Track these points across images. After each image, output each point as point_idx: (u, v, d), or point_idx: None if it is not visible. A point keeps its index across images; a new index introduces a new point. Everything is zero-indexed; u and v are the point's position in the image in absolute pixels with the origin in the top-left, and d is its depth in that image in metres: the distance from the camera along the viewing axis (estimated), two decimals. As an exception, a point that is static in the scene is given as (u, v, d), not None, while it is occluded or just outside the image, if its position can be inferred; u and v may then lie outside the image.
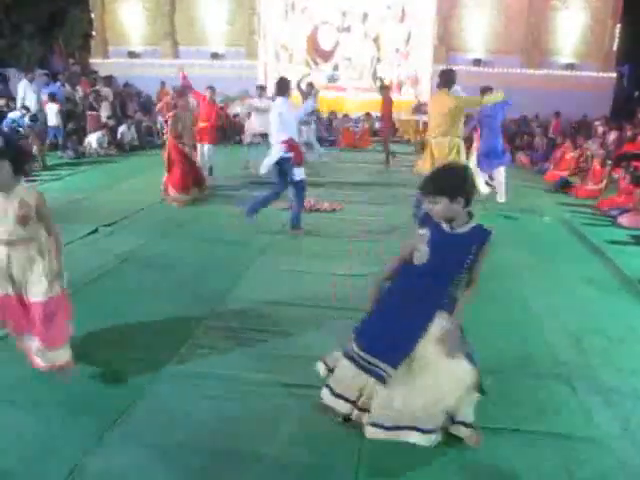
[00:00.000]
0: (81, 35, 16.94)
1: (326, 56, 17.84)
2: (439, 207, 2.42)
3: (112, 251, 5.45)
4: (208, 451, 2.60)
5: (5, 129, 10.25)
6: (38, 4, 15.10)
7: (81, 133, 12.02)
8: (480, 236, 2.45)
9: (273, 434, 2.72)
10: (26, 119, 10.38)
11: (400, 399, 2.53)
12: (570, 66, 15.41)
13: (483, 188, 8.26)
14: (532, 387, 3.23)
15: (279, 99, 6.20)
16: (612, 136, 12.29)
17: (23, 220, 2.90)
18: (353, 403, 2.69)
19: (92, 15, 16.00)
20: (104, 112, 12.98)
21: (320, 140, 15.31)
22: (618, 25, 15.35)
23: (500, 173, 7.79)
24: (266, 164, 6.17)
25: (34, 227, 2.98)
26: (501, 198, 7.82)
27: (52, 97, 11.58)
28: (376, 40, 17.59)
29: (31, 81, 11.46)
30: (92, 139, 11.69)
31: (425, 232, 2.50)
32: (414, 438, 2.55)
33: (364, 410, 2.65)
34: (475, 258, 2.46)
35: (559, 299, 4.59)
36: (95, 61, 16.17)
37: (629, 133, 11.85)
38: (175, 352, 3.46)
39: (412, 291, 2.55)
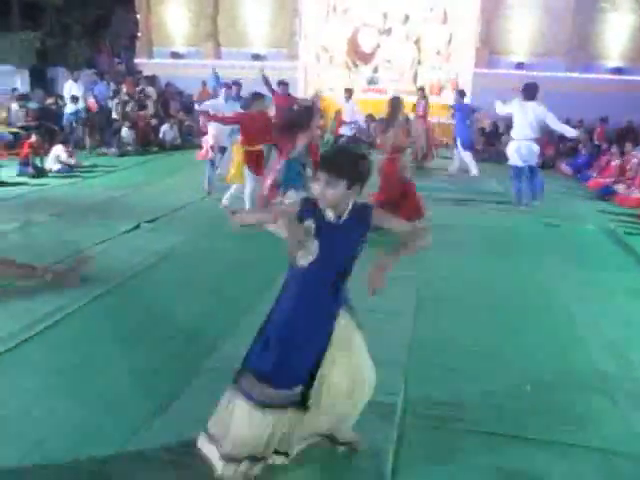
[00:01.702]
0: (127, 36, 17.39)
1: (366, 58, 17.80)
2: (334, 192, 2.07)
3: (153, 247, 5.59)
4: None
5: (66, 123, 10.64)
6: (86, 6, 15.59)
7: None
8: (364, 218, 2.15)
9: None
10: (82, 113, 10.75)
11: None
12: (618, 70, 14.97)
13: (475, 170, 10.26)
14: (571, 399, 3.16)
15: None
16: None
17: None
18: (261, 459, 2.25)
19: (138, 16, 16.41)
20: (149, 111, 13.30)
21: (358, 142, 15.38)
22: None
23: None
24: None
25: None
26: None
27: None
28: (417, 42, 17.47)
29: (76, 80, 11.86)
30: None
31: (310, 224, 2.12)
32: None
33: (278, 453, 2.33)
34: (364, 241, 2.19)
35: (601, 310, 4.47)
36: (140, 61, 16.58)
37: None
38: (214, 348, 3.53)
39: (305, 302, 2.19)
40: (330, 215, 2.14)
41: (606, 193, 8.91)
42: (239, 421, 2.16)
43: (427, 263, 4.93)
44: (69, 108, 11.38)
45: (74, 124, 10.92)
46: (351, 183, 2.09)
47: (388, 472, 2.48)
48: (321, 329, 2.20)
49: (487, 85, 14.73)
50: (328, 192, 2.08)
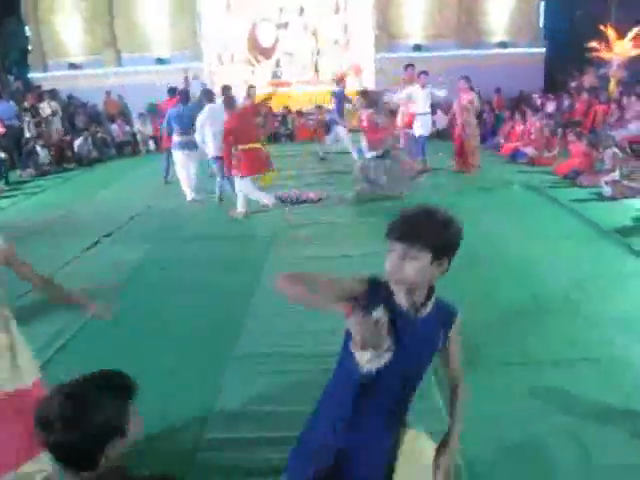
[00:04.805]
0: (17, 50, 16.37)
1: (267, 53, 18.00)
2: (414, 267, 1.53)
3: (124, 259, 5.59)
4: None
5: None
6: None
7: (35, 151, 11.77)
8: (447, 316, 1.68)
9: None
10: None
11: None
12: (503, 44, 16.31)
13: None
14: (554, 323, 3.73)
15: None
16: (550, 107, 13.19)
17: None
18: None
19: (27, 28, 15.52)
20: (56, 126, 12.74)
21: (277, 135, 15.64)
22: (542, 3, 16.39)
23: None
24: None
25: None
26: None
27: None
28: (314, 33, 17.95)
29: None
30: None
31: (381, 316, 1.52)
32: None
33: None
34: (443, 346, 1.69)
35: (548, 254, 5.12)
36: (35, 75, 15.71)
37: (566, 103, 12.78)
38: (236, 341, 3.75)
39: (360, 421, 1.66)
40: (404, 303, 1.60)
41: (518, 156, 9.86)
42: None
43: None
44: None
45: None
46: (436, 256, 1.55)
47: None
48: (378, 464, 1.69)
49: (388, 68, 15.54)
50: (406, 268, 1.53)
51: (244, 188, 6.96)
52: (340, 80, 12.09)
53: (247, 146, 6.78)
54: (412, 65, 9.39)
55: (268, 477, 2.46)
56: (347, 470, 1.66)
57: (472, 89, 9.11)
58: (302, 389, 3.06)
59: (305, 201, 7.60)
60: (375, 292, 1.60)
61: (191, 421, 2.90)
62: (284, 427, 2.69)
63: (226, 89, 7.87)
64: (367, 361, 1.58)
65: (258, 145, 6.97)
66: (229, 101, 7.04)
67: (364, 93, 8.37)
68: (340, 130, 10.81)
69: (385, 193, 7.41)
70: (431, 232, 1.54)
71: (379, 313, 1.52)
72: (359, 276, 1.64)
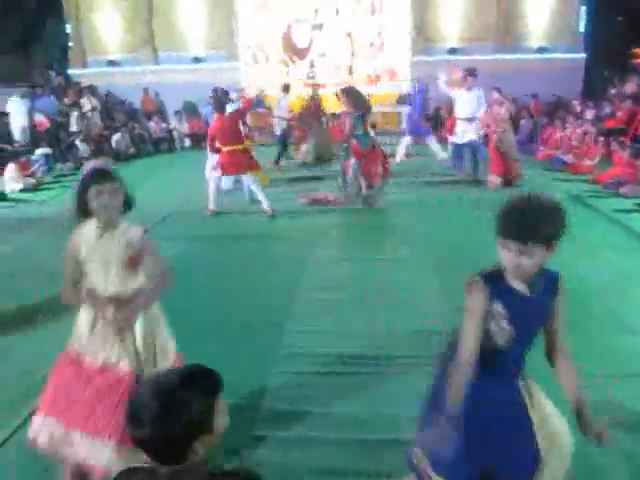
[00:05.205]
0: (59, 47, 16.74)
1: (301, 54, 18.05)
2: (532, 261, 1.68)
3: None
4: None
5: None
6: (14, 18, 14.94)
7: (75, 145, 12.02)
8: (553, 283, 1.83)
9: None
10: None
11: None
12: (541, 49, 16.06)
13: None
14: (600, 337, 3.67)
15: None
16: (589, 114, 12.94)
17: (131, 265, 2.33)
18: None
19: (68, 26, 15.86)
20: (95, 121, 12.99)
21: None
22: (583, 7, 16.08)
23: None
24: None
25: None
26: None
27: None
28: (350, 35, 17.93)
29: (23, 96, 11.45)
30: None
31: (500, 309, 1.77)
32: None
33: None
34: (552, 313, 1.85)
35: (592, 265, 5.02)
36: (74, 72, 16.04)
37: (607, 110, 12.51)
38: (279, 341, 3.77)
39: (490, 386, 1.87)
40: (520, 287, 1.77)
41: (555, 162, 9.70)
42: None
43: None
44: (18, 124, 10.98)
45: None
46: (549, 245, 1.68)
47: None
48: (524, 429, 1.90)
49: (424, 72, 15.44)
50: (523, 263, 1.69)
51: (213, 187, 7.25)
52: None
53: (230, 147, 7.00)
54: (473, 74, 8.77)
55: (314, 476, 2.47)
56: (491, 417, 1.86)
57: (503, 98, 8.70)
58: (349, 391, 3.07)
59: (330, 202, 7.62)
60: (492, 285, 1.77)
61: (238, 419, 2.91)
62: (332, 428, 2.69)
63: (217, 91, 7.93)
64: (499, 336, 1.79)
65: (240, 147, 7.09)
66: (218, 103, 7.21)
67: (346, 91, 7.59)
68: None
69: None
70: (542, 228, 1.66)
71: (498, 307, 1.77)
72: (473, 284, 1.78)
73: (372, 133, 7.56)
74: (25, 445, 2.35)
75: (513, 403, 1.91)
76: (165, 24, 15.97)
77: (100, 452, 2.16)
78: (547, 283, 1.81)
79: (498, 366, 1.86)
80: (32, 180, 9.75)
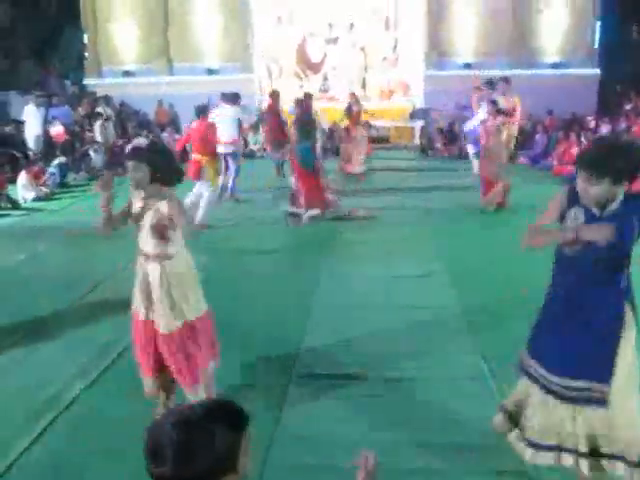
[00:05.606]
0: (75, 56, 16.90)
1: (315, 67, 18.10)
2: (597, 189, 1.99)
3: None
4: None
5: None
6: (33, 26, 15.09)
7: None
8: (635, 209, 2.06)
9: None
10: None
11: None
12: (556, 65, 15.99)
13: None
14: None
15: None
16: (604, 130, 12.82)
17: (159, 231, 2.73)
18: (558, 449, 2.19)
19: (85, 35, 16.00)
20: (110, 131, 13.03)
21: (324, 151, 15.58)
22: (598, 22, 16.02)
23: None
24: None
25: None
26: None
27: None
28: (363, 49, 17.96)
29: (38, 105, 11.53)
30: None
31: (577, 213, 2.11)
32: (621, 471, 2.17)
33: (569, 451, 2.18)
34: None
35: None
36: (89, 82, 16.16)
37: (623, 125, 12.41)
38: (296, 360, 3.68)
39: (569, 287, 2.20)
40: (591, 205, 2.09)
41: (574, 178, 9.56)
42: (535, 409, 2.22)
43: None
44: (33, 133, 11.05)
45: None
46: (616, 179, 1.97)
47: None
48: (593, 320, 2.14)
49: (438, 86, 15.41)
50: (590, 190, 2.02)
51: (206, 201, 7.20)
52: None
53: (192, 156, 7.34)
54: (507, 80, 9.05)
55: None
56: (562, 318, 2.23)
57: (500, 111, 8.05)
58: (366, 414, 2.97)
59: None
60: (572, 197, 2.14)
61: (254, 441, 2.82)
62: (347, 454, 2.60)
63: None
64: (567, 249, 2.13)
65: (199, 157, 7.24)
66: (199, 109, 7.51)
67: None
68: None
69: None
70: (609, 164, 1.96)
71: (575, 210, 2.13)
72: (560, 193, 2.22)
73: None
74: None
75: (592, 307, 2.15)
76: (180, 35, 16.07)
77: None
78: (629, 206, 2.04)
79: (577, 268, 2.14)
80: (45, 189, 9.76)
